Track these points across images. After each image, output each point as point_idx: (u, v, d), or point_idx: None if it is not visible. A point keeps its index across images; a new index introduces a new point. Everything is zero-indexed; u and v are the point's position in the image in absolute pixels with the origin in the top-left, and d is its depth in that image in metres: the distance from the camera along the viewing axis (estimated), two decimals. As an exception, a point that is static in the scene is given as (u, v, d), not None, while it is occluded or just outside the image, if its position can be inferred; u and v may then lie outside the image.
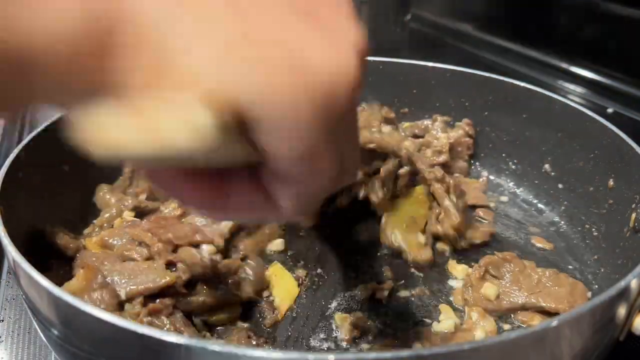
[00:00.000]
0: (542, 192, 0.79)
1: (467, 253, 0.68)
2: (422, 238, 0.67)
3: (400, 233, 0.66)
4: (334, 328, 0.57)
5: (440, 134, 0.84)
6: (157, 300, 0.53)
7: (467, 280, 0.61)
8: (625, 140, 0.63)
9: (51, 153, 0.65)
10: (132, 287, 0.52)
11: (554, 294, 0.58)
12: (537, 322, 0.57)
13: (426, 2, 1.64)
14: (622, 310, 0.43)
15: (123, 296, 0.52)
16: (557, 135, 0.76)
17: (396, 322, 0.58)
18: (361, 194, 0.71)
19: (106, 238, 0.61)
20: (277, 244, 0.68)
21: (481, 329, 0.55)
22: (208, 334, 0.55)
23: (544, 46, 1.26)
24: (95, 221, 0.69)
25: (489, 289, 0.59)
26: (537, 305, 0.58)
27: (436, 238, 0.68)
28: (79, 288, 0.51)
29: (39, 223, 0.60)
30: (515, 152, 0.83)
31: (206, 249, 0.60)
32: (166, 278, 0.53)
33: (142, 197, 0.72)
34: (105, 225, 0.67)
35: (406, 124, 0.89)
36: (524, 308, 0.59)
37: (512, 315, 0.59)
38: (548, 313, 0.58)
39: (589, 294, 0.60)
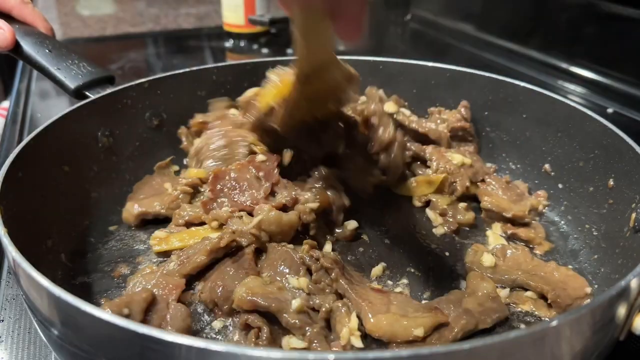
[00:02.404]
0: (542, 192, 0.78)
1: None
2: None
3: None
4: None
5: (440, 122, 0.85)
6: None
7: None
8: (625, 140, 0.63)
9: (51, 153, 0.65)
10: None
11: (547, 279, 0.61)
12: (527, 306, 0.59)
13: (426, 2, 1.64)
14: (622, 310, 0.43)
15: None
16: (557, 135, 0.76)
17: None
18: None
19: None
20: None
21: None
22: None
23: (544, 46, 1.26)
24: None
25: (486, 257, 0.64)
26: (526, 283, 0.61)
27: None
28: None
29: (39, 223, 0.60)
30: (515, 152, 0.83)
31: None
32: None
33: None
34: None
35: None
36: (515, 284, 0.62)
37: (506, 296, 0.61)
38: (542, 297, 0.60)
39: (588, 289, 0.60)
